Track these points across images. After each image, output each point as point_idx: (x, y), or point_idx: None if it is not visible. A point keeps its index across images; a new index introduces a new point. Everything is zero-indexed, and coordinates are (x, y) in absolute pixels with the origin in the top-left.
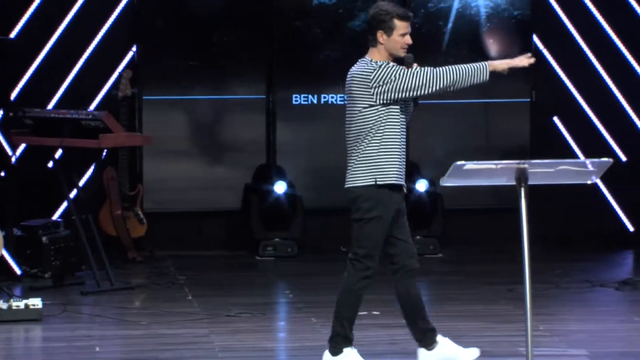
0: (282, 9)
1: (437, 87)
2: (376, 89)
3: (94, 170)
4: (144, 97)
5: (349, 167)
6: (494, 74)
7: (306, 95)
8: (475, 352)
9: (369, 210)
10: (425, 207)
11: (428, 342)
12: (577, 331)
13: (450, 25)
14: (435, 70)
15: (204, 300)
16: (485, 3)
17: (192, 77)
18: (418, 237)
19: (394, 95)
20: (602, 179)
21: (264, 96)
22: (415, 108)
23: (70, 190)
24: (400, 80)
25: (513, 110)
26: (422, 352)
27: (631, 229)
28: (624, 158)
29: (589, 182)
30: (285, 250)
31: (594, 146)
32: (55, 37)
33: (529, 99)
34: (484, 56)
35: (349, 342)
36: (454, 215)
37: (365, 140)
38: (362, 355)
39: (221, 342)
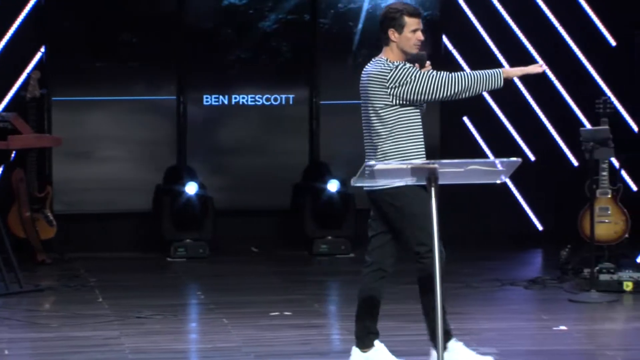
0: (192, 9)
1: (452, 92)
2: (392, 90)
3: (2, 171)
4: (53, 99)
5: None
6: (506, 80)
7: (217, 95)
8: None
9: (408, 206)
10: (336, 207)
11: (366, 343)
12: (487, 329)
13: (360, 25)
14: (450, 74)
15: (115, 302)
16: None
17: (102, 78)
18: (329, 237)
19: (410, 96)
20: (511, 178)
21: (175, 97)
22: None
23: None
24: (415, 82)
25: None
26: (355, 351)
27: (540, 228)
28: (532, 158)
29: (498, 181)
30: (196, 251)
31: (503, 146)
32: None
33: None
34: None
35: (450, 335)
36: (366, 215)
37: (388, 141)
38: (272, 355)
39: (132, 344)
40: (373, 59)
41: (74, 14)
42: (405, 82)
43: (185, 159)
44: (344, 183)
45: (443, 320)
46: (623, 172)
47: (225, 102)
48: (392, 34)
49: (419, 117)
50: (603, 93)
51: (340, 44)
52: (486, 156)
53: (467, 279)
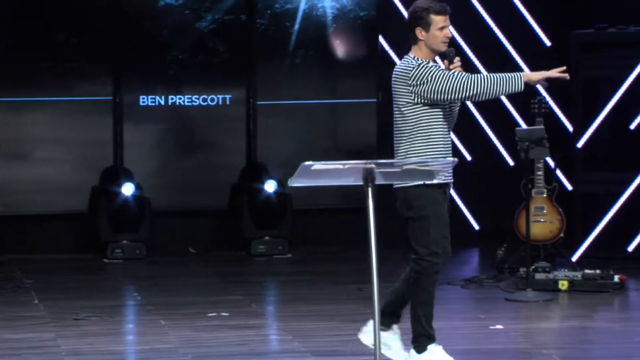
0: (128, 10)
1: (471, 93)
2: (414, 88)
3: None
4: None
5: None
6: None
7: (153, 97)
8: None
9: (423, 209)
10: (274, 207)
11: (384, 322)
12: None
13: (297, 26)
14: (471, 76)
15: (51, 304)
16: (332, 4)
17: (38, 78)
18: (267, 238)
19: (429, 95)
20: None
21: (111, 97)
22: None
23: None
24: (435, 82)
25: (360, 111)
26: (369, 324)
27: (476, 227)
28: (469, 157)
29: (434, 181)
30: (133, 252)
31: None
32: None
33: (375, 99)
34: (330, 57)
35: (431, 339)
36: (303, 215)
37: (410, 139)
38: (209, 356)
39: (68, 346)
40: (404, 57)
41: (8, 14)
42: (425, 80)
43: (122, 159)
44: (282, 183)
45: (429, 325)
46: (558, 172)
47: (162, 102)
48: (420, 33)
49: (443, 117)
50: (538, 93)
51: (277, 45)
52: None
53: None
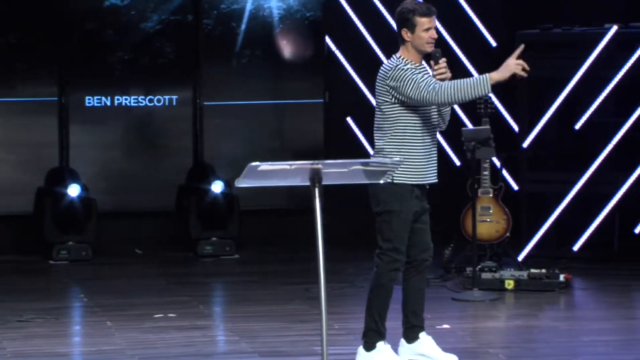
0: (73, 10)
1: (439, 100)
2: (390, 88)
3: None
4: None
5: None
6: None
7: (99, 97)
8: (453, 358)
9: (388, 204)
10: (221, 208)
11: (410, 336)
12: None
13: (243, 26)
14: (439, 84)
15: None
16: (278, 4)
17: None
18: (214, 239)
19: (402, 98)
20: None
21: (57, 98)
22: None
23: None
24: (406, 85)
25: (307, 111)
26: (402, 342)
27: None
28: None
29: (382, 181)
30: (79, 253)
31: None
32: None
33: (322, 100)
34: (277, 57)
35: (381, 336)
36: (250, 216)
37: (385, 137)
38: (156, 358)
39: (14, 348)
40: (392, 56)
41: None
42: (399, 83)
43: (67, 160)
44: (229, 184)
45: (382, 322)
46: (504, 172)
47: (108, 103)
48: (405, 34)
49: (421, 119)
50: None
51: (223, 45)
52: (370, 156)
53: (351, 278)
